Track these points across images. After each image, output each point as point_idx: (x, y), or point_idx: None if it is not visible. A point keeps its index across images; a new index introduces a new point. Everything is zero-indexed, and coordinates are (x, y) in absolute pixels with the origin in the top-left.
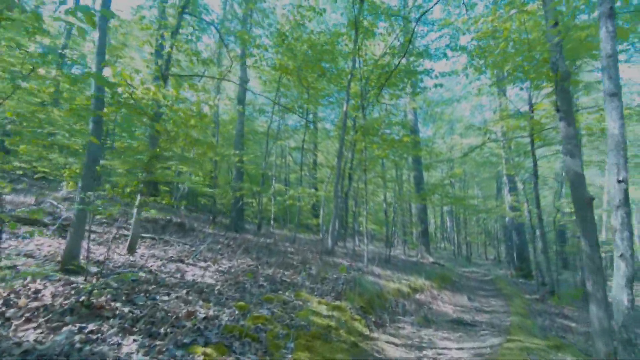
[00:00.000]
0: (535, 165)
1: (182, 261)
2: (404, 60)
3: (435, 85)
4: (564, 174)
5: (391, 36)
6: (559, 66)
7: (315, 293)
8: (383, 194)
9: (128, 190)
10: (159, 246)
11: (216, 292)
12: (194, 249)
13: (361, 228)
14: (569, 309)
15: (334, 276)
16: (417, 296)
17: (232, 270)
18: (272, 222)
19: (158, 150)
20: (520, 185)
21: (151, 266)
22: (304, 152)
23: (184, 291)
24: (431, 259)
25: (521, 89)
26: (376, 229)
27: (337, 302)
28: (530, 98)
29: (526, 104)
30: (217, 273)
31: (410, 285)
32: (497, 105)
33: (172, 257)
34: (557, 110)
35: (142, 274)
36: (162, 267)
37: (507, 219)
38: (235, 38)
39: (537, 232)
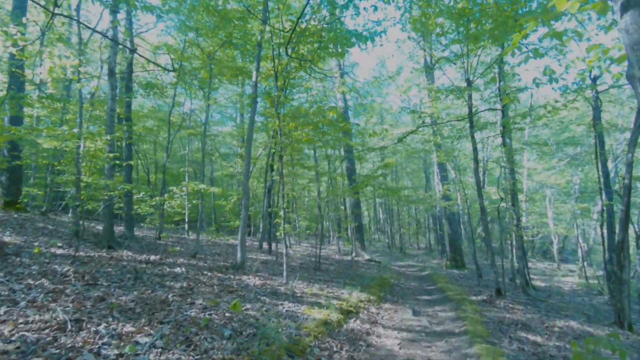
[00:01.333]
0: (475, 149)
1: None
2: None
3: (365, 39)
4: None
5: None
6: None
7: None
8: (317, 188)
9: None
10: None
11: None
12: None
13: (278, 233)
14: (518, 311)
15: (226, 315)
16: (351, 324)
17: None
18: (186, 226)
19: None
20: (452, 174)
21: None
22: (205, 139)
23: None
24: (366, 256)
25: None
26: (311, 225)
27: None
28: (467, 72)
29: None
30: None
31: (342, 308)
32: (429, 83)
33: None
34: None
35: None
36: None
37: (437, 208)
38: None
39: (468, 220)
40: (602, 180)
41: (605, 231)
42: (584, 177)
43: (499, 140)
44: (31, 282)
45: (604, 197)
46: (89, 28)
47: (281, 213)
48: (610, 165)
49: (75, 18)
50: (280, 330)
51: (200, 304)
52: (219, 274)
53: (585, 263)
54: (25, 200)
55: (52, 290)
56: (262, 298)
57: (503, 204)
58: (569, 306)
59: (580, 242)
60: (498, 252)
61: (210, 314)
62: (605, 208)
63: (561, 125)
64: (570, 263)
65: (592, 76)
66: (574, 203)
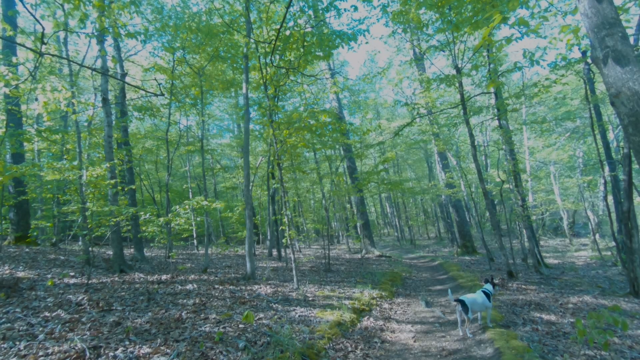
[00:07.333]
0: (471, 135)
1: None
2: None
3: (349, 39)
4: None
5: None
6: None
7: None
8: (320, 190)
9: None
10: None
11: None
12: None
13: (284, 240)
14: (531, 291)
15: (239, 327)
16: (365, 322)
17: None
18: (195, 241)
19: None
20: (453, 161)
21: None
22: (203, 154)
23: None
24: (377, 252)
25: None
26: (318, 227)
27: None
28: (455, 59)
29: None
30: None
31: (354, 307)
32: (420, 73)
33: None
34: None
35: None
36: None
37: (442, 196)
38: None
39: (474, 206)
40: (602, 151)
41: (611, 202)
42: (587, 150)
43: (496, 122)
44: (47, 314)
45: (606, 168)
46: (77, 64)
47: (285, 220)
48: (611, 135)
49: (64, 56)
50: (293, 336)
51: (214, 318)
52: (231, 287)
53: (597, 235)
54: (35, 233)
55: (68, 320)
56: (274, 306)
57: (507, 186)
58: (583, 281)
59: (590, 214)
60: (507, 235)
61: (224, 327)
62: (609, 179)
63: (557, 100)
64: (582, 237)
65: (581, 50)
66: (579, 176)
